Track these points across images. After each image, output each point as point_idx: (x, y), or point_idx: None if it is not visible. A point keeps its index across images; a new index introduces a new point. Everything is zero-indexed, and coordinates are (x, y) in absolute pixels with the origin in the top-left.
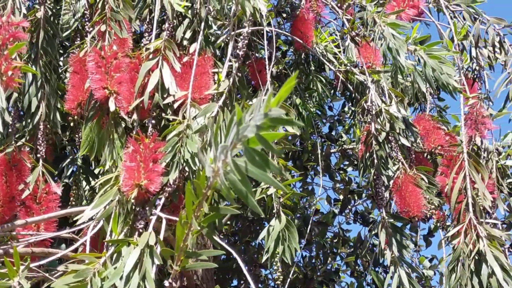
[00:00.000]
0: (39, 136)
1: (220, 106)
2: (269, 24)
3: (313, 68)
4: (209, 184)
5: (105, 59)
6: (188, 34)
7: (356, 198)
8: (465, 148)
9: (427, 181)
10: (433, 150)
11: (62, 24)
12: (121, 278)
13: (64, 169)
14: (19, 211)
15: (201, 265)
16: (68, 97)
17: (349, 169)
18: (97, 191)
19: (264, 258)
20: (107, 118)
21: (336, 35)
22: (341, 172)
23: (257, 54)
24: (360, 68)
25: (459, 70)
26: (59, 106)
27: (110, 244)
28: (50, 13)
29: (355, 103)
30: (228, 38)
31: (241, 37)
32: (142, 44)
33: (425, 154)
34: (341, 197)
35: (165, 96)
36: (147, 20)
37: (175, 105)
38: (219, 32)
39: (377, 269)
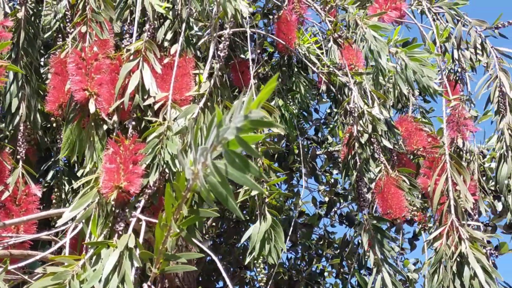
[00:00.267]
0: (19, 137)
1: (201, 107)
2: (256, 26)
3: (296, 69)
4: (188, 186)
5: (86, 60)
6: (169, 36)
7: (341, 200)
8: (447, 150)
9: (409, 183)
10: (415, 152)
11: (44, 25)
12: (100, 281)
13: (46, 170)
14: None
15: (181, 267)
16: (49, 99)
17: (335, 171)
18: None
19: (248, 259)
20: (87, 119)
21: (319, 36)
22: (327, 174)
23: (242, 56)
24: (342, 70)
25: (441, 72)
26: (40, 107)
27: (89, 246)
28: (31, 13)
29: (338, 105)
30: (210, 39)
31: (223, 38)
32: (123, 45)
33: (409, 156)
34: (327, 199)
35: (145, 97)
36: (128, 21)
37: (156, 107)
38: (200, 33)
39: (362, 271)
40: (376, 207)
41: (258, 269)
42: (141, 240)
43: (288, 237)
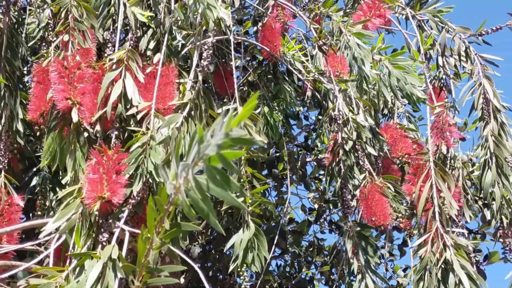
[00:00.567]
0: (1, 146)
1: (184, 116)
2: (247, 33)
3: (281, 76)
4: (170, 200)
5: (68, 69)
6: (152, 44)
7: (331, 207)
8: (431, 156)
9: (393, 190)
10: (400, 159)
11: (28, 33)
12: None
13: (30, 178)
14: None
15: (164, 280)
16: (30, 107)
17: (324, 178)
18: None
19: (231, 267)
20: (69, 128)
21: (304, 43)
22: (316, 181)
23: (232, 62)
24: (327, 77)
25: (425, 79)
26: (23, 116)
27: (73, 257)
28: (14, 21)
29: (323, 112)
30: (194, 48)
31: (206, 47)
32: (106, 55)
33: (396, 161)
34: (316, 206)
35: (128, 107)
36: (111, 30)
37: (139, 116)
38: (183, 41)
39: (351, 277)
40: (361, 214)
41: (242, 277)
42: (125, 249)
43: (277, 244)
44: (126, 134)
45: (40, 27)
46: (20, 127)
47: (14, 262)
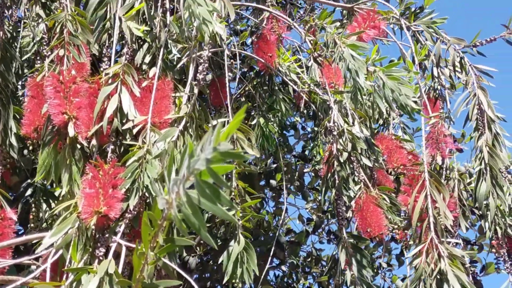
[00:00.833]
0: None
1: (180, 130)
2: (244, 44)
3: (276, 87)
4: (164, 215)
5: (64, 83)
6: (147, 59)
7: (329, 217)
8: (426, 167)
9: (389, 201)
10: (395, 170)
11: (22, 47)
12: None
13: (24, 191)
14: None
15: None
16: (24, 122)
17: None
18: (57, 216)
19: (225, 279)
20: (64, 143)
21: (299, 54)
22: (314, 192)
23: (229, 73)
24: (323, 88)
25: (420, 90)
26: (17, 130)
27: (70, 272)
28: (9, 36)
29: (318, 123)
30: (189, 61)
31: (201, 60)
32: (102, 69)
33: (390, 172)
34: (314, 216)
35: (124, 121)
36: (106, 44)
37: (135, 130)
38: (179, 55)
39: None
40: (356, 225)
41: None
42: (121, 263)
43: (275, 255)
44: (122, 148)
45: (34, 41)
46: (13, 141)
47: (10, 277)
